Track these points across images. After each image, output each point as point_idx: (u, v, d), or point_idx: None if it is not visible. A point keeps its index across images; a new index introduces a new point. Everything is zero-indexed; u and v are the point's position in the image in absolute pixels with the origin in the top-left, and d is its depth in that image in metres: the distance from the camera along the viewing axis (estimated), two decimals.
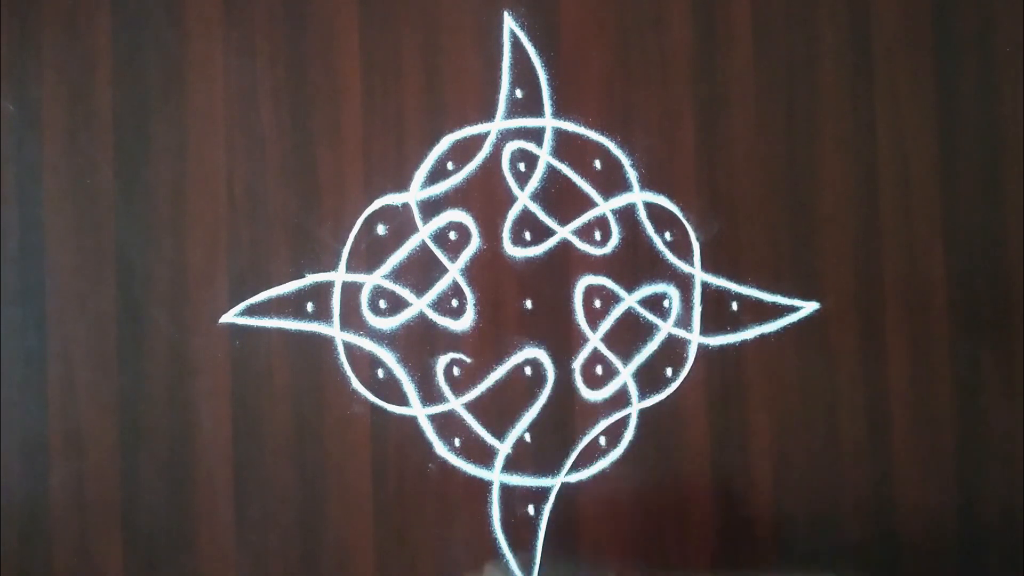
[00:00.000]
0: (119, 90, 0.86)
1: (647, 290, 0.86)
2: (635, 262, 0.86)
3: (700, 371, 0.86)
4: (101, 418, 0.85)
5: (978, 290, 0.86)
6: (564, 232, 0.86)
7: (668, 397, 0.85)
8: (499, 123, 0.86)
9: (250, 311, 0.85)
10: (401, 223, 0.86)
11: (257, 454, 0.85)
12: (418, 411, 0.86)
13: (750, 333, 0.86)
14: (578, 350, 0.86)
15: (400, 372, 0.85)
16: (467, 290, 0.86)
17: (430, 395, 0.86)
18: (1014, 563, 0.85)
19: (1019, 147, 0.86)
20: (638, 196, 0.86)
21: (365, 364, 0.86)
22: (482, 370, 0.86)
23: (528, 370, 0.86)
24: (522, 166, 0.86)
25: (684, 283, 0.86)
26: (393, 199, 0.86)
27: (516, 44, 0.86)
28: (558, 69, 0.86)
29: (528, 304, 0.86)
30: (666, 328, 0.86)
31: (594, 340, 0.86)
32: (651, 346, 0.86)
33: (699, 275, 0.86)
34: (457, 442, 0.86)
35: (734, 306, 0.86)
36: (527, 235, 0.86)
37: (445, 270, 0.86)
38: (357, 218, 0.86)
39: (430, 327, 0.86)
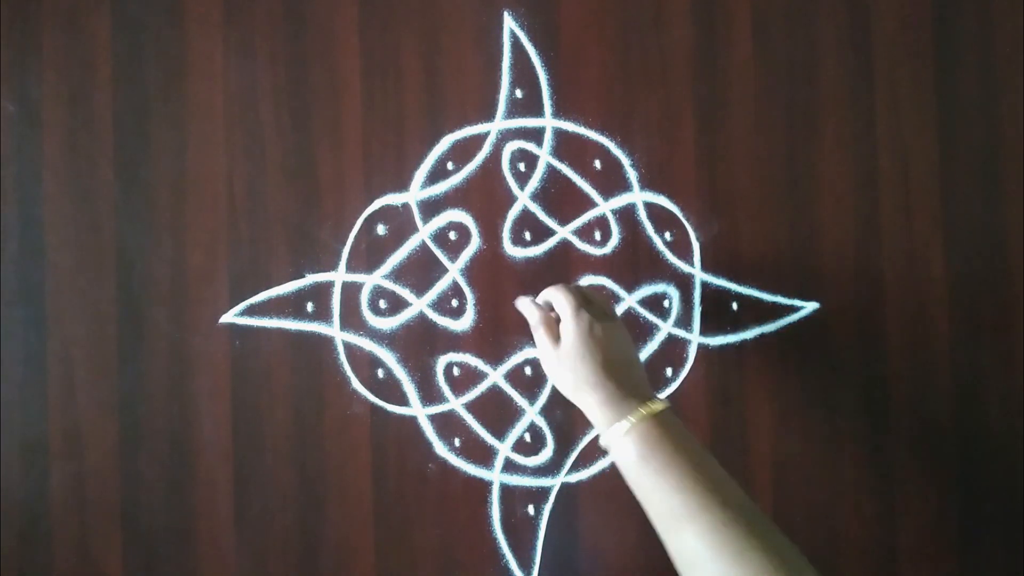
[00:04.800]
0: (119, 90, 0.86)
1: (647, 290, 0.86)
2: (635, 262, 0.86)
3: (700, 371, 0.86)
4: (101, 418, 0.85)
5: (978, 290, 0.86)
6: (564, 232, 0.86)
7: (668, 397, 0.85)
8: (499, 123, 0.86)
9: (250, 311, 0.86)
10: (401, 223, 0.86)
11: (257, 454, 0.85)
12: (418, 411, 0.86)
13: (750, 333, 0.86)
14: None
15: (400, 372, 0.86)
16: (467, 290, 0.86)
17: (430, 395, 0.86)
18: (1014, 563, 0.85)
19: (1019, 147, 0.86)
20: (638, 196, 0.86)
21: (365, 364, 0.86)
22: (482, 370, 0.86)
23: (528, 370, 0.86)
24: (522, 166, 0.86)
25: (684, 283, 0.86)
26: (393, 199, 0.86)
27: (516, 44, 0.86)
28: (558, 69, 0.86)
29: None
30: (666, 328, 0.86)
31: None
32: (651, 346, 0.86)
33: (699, 275, 0.86)
34: (457, 442, 0.86)
35: (734, 306, 0.86)
36: (527, 235, 0.86)
37: (445, 270, 0.86)
38: (357, 218, 0.86)
39: (430, 327, 0.86)
